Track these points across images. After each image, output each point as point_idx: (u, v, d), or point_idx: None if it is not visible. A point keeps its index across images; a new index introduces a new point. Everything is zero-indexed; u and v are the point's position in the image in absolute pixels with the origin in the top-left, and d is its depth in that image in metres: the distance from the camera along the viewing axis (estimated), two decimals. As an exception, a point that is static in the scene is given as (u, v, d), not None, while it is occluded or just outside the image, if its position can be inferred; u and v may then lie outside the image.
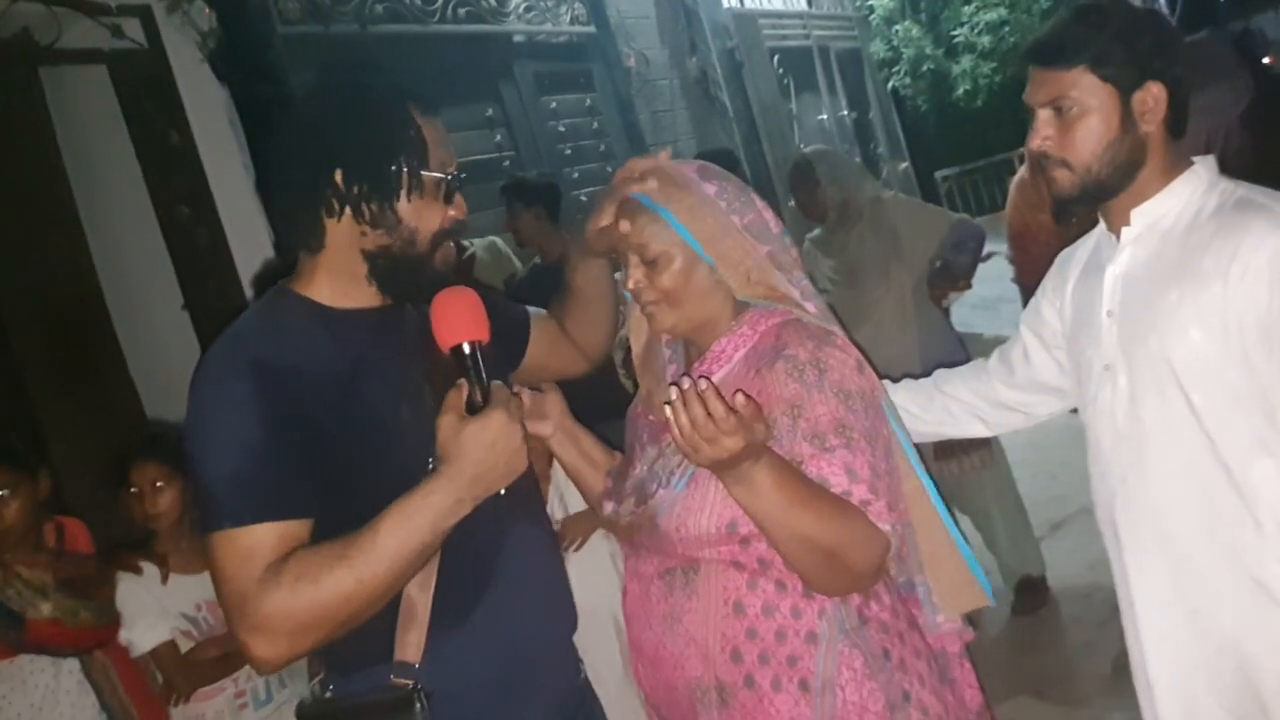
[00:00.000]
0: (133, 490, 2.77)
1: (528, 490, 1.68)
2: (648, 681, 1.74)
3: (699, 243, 1.65)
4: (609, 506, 1.76)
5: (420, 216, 1.54)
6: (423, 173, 1.54)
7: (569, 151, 6.73)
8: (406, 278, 1.56)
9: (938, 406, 2.05)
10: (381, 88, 1.56)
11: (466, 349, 1.47)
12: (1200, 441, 1.66)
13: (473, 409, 1.46)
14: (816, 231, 4.10)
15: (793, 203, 4.19)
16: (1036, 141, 1.74)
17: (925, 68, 16.03)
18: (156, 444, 2.84)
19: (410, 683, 1.47)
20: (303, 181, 1.53)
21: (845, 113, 10.13)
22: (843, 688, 1.58)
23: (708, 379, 1.47)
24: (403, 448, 1.50)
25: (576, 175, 6.63)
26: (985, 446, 3.82)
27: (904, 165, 11.18)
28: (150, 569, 2.75)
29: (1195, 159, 1.75)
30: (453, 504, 1.42)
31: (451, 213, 1.58)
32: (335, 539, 1.39)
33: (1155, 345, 1.68)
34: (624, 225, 1.67)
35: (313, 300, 1.55)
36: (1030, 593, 4.02)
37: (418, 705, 1.45)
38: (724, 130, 7.87)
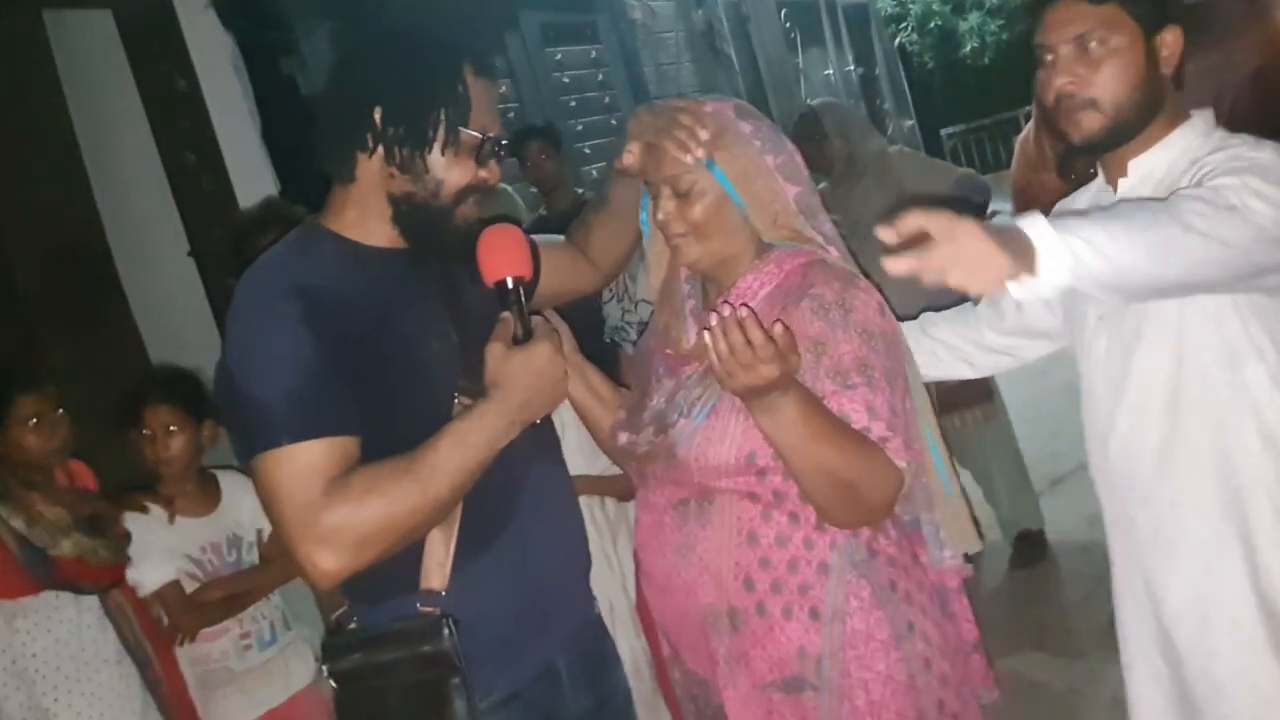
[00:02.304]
0: (145, 433, 2.78)
1: (547, 431, 1.75)
2: (658, 608, 1.80)
3: (731, 182, 1.67)
4: (624, 438, 1.79)
5: (449, 170, 1.55)
6: (460, 129, 1.54)
7: (574, 103, 6.71)
8: (425, 228, 1.57)
9: (924, 349, 2.02)
10: (441, 40, 1.57)
11: (510, 284, 1.56)
12: (1185, 378, 1.66)
13: (517, 341, 1.54)
14: (822, 185, 4.10)
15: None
16: (1061, 80, 1.67)
17: (932, 24, 15.89)
18: (170, 387, 2.84)
19: (437, 610, 1.50)
20: (344, 110, 1.55)
21: (851, 68, 10.08)
22: (850, 616, 1.63)
23: (748, 307, 1.49)
24: (432, 380, 1.55)
25: (581, 127, 6.61)
26: (987, 401, 3.84)
27: (909, 122, 11.14)
28: (157, 510, 2.77)
29: (1194, 112, 1.73)
30: (505, 426, 1.50)
31: (482, 174, 1.58)
32: (381, 460, 1.43)
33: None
34: (668, 148, 1.68)
35: (343, 235, 1.57)
36: (1029, 547, 4.06)
37: (446, 631, 1.48)
38: (729, 83, 7.84)
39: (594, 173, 6.55)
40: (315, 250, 1.57)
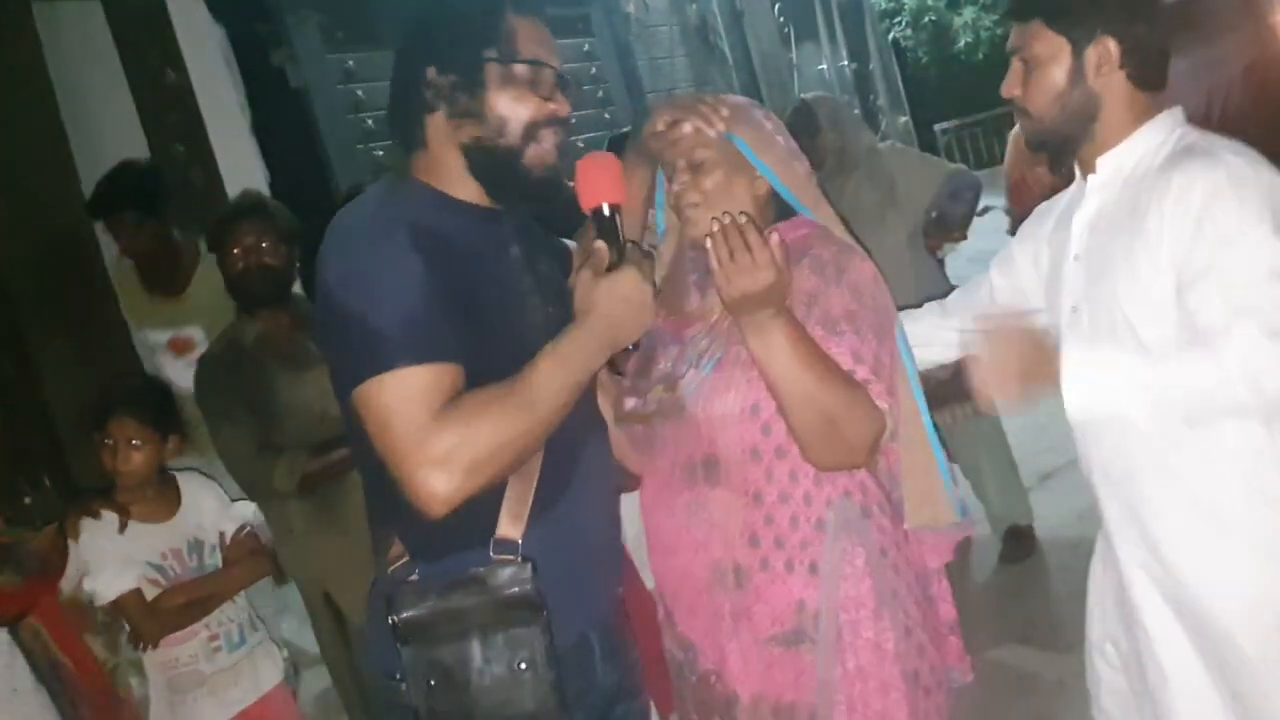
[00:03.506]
0: (107, 442, 2.72)
1: (597, 408, 1.80)
2: (661, 569, 1.87)
3: (752, 151, 1.79)
4: (631, 402, 1.85)
5: (511, 106, 1.58)
6: (511, 64, 1.58)
7: (567, 97, 6.69)
8: (502, 170, 1.60)
9: (936, 337, 2.10)
10: None
11: (606, 210, 1.60)
12: (1149, 376, 1.67)
13: (610, 267, 1.59)
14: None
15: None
16: (1004, 89, 1.87)
17: (927, 19, 15.90)
18: (138, 399, 2.79)
19: (516, 557, 1.53)
20: (403, 80, 1.61)
21: (845, 63, 10.06)
22: (845, 580, 1.73)
23: (747, 214, 1.65)
24: (526, 319, 1.61)
25: (574, 120, 6.58)
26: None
27: (903, 118, 11.12)
28: (109, 517, 2.72)
29: (1169, 109, 1.82)
30: (597, 349, 1.55)
31: (551, 107, 1.61)
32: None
33: (1109, 287, 1.77)
34: (687, 127, 1.81)
35: (434, 189, 1.61)
36: (1018, 541, 4.07)
37: (530, 573, 1.51)
38: (723, 78, 7.83)
39: (587, 166, 6.52)
40: (410, 194, 1.61)
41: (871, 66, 10.73)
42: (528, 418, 1.46)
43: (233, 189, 4.13)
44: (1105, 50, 1.77)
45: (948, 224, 3.93)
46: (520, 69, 1.58)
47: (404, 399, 1.42)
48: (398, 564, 1.59)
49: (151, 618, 2.68)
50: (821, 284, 1.74)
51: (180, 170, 4.21)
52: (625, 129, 4.20)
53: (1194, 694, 1.79)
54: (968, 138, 15.04)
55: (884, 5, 15.25)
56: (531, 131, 1.60)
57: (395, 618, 1.53)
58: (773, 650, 1.74)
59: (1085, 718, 2.07)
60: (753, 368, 1.68)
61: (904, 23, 15.88)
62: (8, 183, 4.01)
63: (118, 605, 2.68)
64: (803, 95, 4.26)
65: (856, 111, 8.47)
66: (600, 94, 6.99)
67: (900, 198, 3.83)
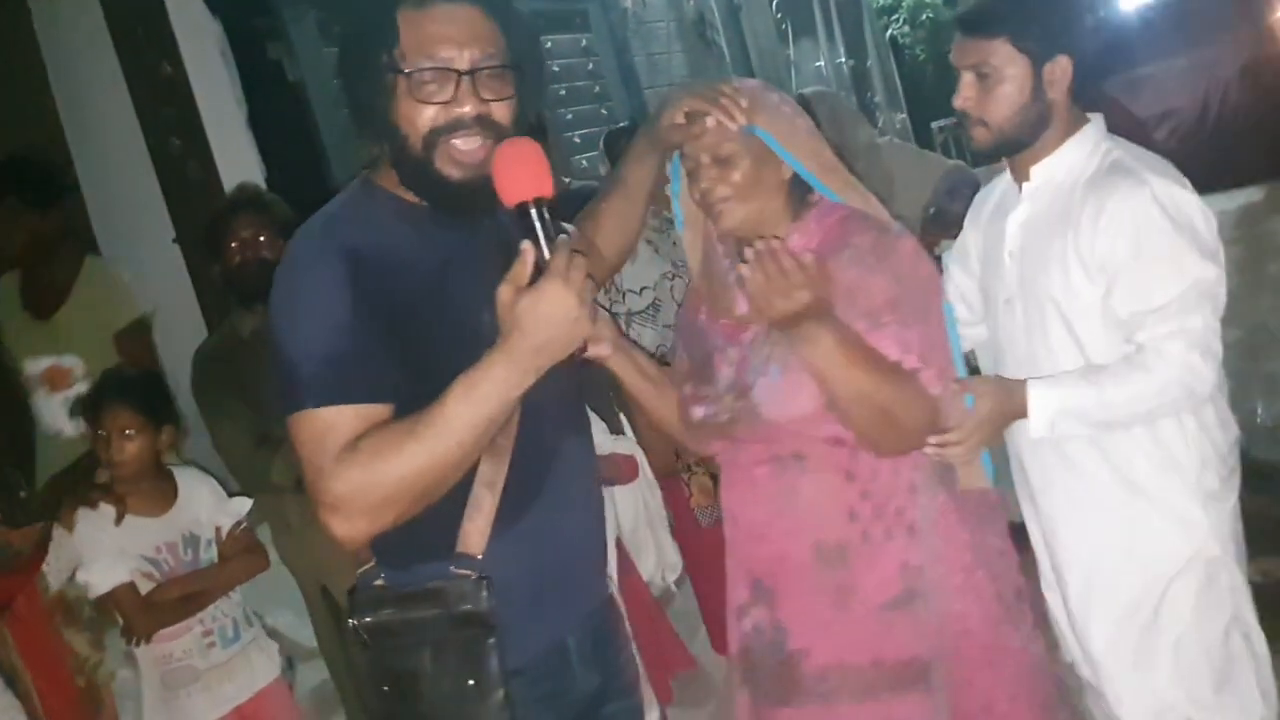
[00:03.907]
0: (100, 433, 2.72)
1: (579, 407, 1.76)
2: (749, 556, 1.91)
3: (778, 142, 1.80)
4: (700, 411, 1.88)
5: (406, 118, 1.48)
6: (392, 73, 1.47)
7: (563, 92, 6.68)
8: (421, 183, 1.52)
9: None
10: None
11: (532, 207, 1.40)
12: (1078, 363, 1.94)
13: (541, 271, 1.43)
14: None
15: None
16: (959, 101, 2.00)
17: (924, 16, 15.85)
18: (131, 389, 2.78)
19: (474, 573, 1.50)
20: (339, 88, 1.57)
21: (843, 60, 10.06)
22: (943, 528, 1.82)
23: (779, 239, 1.66)
24: (480, 348, 1.47)
25: (570, 117, 6.59)
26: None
27: (900, 116, 11.12)
28: (105, 509, 2.71)
29: (1090, 116, 2.00)
30: (516, 376, 1.40)
31: (455, 110, 1.48)
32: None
33: (1044, 284, 1.96)
34: (710, 121, 1.79)
35: (396, 195, 1.55)
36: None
37: (484, 592, 1.48)
38: (720, 74, 7.82)
39: (584, 162, 6.52)
40: (371, 207, 1.56)
41: (869, 63, 10.73)
42: (427, 456, 1.38)
43: (229, 182, 4.11)
44: (1062, 68, 1.93)
45: (945, 220, 3.92)
46: (414, 75, 1.46)
47: (310, 440, 1.42)
48: (366, 567, 1.59)
49: (145, 612, 2.68)
50: (861, 274, 1.76)
51: (177, 164, 4.20)
52: (623, 124, 4.20)
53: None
54: (965, 135, 15.02)
55: (882, 2, 15.20)
56: (433, 140, 1.49)
57: (354, 621, 1.54)
58: (887, 615, 1.81)
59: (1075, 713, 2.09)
60: None
61: (902, 20, 15.83)
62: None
63: (111, 598, 2.67)
64: (801, 90, 4.26)
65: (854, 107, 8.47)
66: (597, 89, 6.98)
67: (898, 194, 3.82)
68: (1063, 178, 1.98)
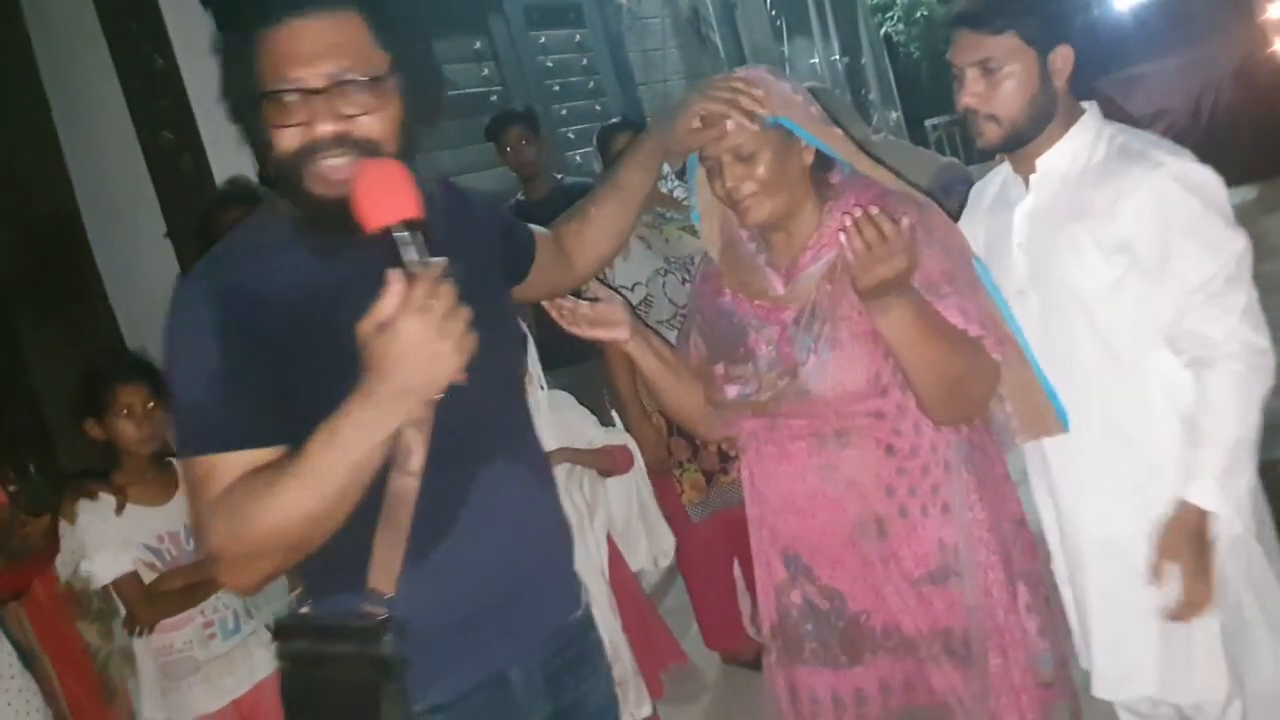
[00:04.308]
0: (123, 413, 2.73)
1: (508, 427, 1.63)
2: (795, 530, 1.93)
3: (802, 127, 1.82)
4: (734, 390, 1.91)
5: (275, 142, 1.40)
6: (257, 95, 1.39)
7: (557, 88, 6.67)
8: (303, 208, 1.43)
9: None
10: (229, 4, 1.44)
11: (399, 231, 1.27)
12: (1099, 349, 1.95)
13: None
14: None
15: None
16: (967, 98, 1.98)
17: (919, 14, 15.84)
18: (136, 366, 2.80)
19: (382, 612, 1.41)
20: None
21: (837, 57, 10.06)
22: (970, 508, 1.87)
23: (880, 203, 1.69)
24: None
25: (565, 112, 6.57)
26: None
27: (895, 114, 11.13)
28: (106, 499, 2.72)
29: (1085, 105, 2.01)
30: (377, 420, 1.29)
31: (313, 131, 1.38)
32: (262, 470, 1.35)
33: (1059, 272, 1.97)
34: (729, 124, 1.79)
35: (296, 216, 1.46)
36: None
37: (387, 636, 1.39)
38: (715, 70, 7.80)
39: (578, 158, 6.52)
40: (266, 237, 1.48)
41: (863, 61, 10.74)
42: (300, 504, 1.31)
43: (221, 175, 4.10)
44: (1064, 57, 1.94)
45: (938, 219, 3.93)
46: (265, 97, 1.38)
47: (191, 488, 1.40)
48: (296, 592, 1.57)
49: (147, 601, 2.68)
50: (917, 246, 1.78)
51: (169, 157, 4.19)
52: (616, 119, 4.20)
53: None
54: (959, 133, 15.02)
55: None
56: (298, 162, 1.39)
57: (277, 644, 1.50)
58: (924, 589, 1.87)
59: (1062, 709, 2.09)
60: (866, 340, 1.78)
61: (896, 17, 15.83)
62: (-4, 170, 3.99)
63: (115, 588, 2.68)
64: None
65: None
66: (591, 85, 6.97)
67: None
68: (1068, 166, 1.99)
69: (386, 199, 1.29)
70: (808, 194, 1.88)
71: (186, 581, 2.71)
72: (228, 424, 1.39)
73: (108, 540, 2.67)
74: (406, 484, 1.39)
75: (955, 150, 14.61)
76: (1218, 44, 4.14)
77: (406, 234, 1.27)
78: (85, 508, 2.70)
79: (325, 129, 1.38)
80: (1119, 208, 1.88)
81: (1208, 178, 1.90)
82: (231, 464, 1.37)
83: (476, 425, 1.50)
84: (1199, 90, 4.01)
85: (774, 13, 8.89)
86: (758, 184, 1.81)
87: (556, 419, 2.99)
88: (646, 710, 2.99)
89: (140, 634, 2.72)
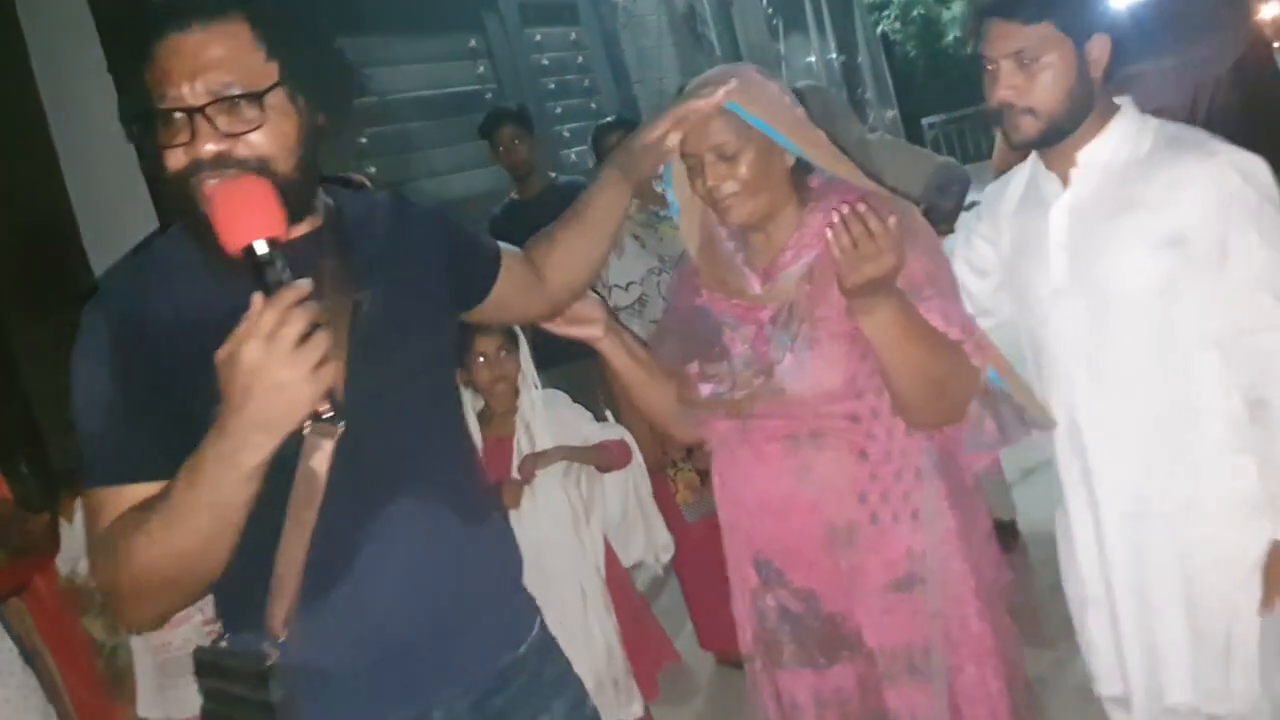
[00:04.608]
0: None
1: (428, 459, 1.49)
2: (770, 532, 1.90)
3: (780, 132, 1.81)
4: (708, 389, 1.89)
5: (165, 158, 1.32)
6: (142, 115, 1.32)
7: (553, 85, 6.66)
8: (194, 231, 1.33)
9: None
10: (134, 10, 1.37)
11: (262, 250, 1.19)
12: (1150, 349, 1.87)
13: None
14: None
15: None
16: (1003, 92, 1.87)
17: (915, 12, 15.90)
18: None
19: (274, 657, 1.35)
20: None
21: (834, 56, 10.05)
22: (941, 515, 1.85)
23: (865, 203, 1.64)
24: None
25: (559, 110, 6.56)
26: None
27: (891, 113, 11.13)
28: None
29: (1118, 100, 1.93)
30: (233, 452, 1.19)
31: (202, 149, 1.29)
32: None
33: (1107, 269, 1.88)
34: (714, 124, 1.79)
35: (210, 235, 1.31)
36: (1000, 535, 4.06)
37: (272, 684, 1.33)
38: (710, 68, 7.80)
39: (573, 156, 6.51)
40: (170, 258, 1.41)
41: (860, 59, 10.73)
42: (169, 545, 1.24)
43: (214, 174, 4.09)
44: (1101, 46, 1.86)
45: (935, 217, 3.91)
46: (153, 117, 1.31)
47: (84, 521, 1.37)
48: (215, 624, 1.50)
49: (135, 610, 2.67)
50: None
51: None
52: (610, 118, 4.19)
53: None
54: (955, 133, 15.06)
55: (872, -2, 15.24)
56: (184, 183, 1.31)
57: (196, 678, 1.46)
58: (889, 597, 1.84)
59: (1067, 712, 2.08)
60: (844, 341, 1.77)
61: (892, 16, 15.87)
62: (-12, 168, 3.97)
63: None
64: (795, 84, 4.25)
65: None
66: (586, 83, 6.96)
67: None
68: (1111, 158, 1.91)
69: (245, 217, 1.21)
70: (788, 196, 1.87)
71: None
72: (117, 456, 1.33)
73: None
74: (302, 519, 1.32)
75: (951, 149, 14.64)
76: (1215, 43, 4.12)
77: (268, 253, 1.19)
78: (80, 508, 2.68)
79: (208, 148, 1.30)
80: (1175, 198, 1.81)
81: (1260, 166, 1.84)
82: (122, 497, 1.31)
83: (381, 459, 1.39)
84: (1195, 89, 3.99)
85: (770, 11, 8.89)
86: (739, 184, 1.80)
87: (551, 417, 2.97)
88: (638, 710, 2.98)
89: (140, 631, 2.71)
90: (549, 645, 1.67)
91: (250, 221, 1.20)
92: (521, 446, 2.93)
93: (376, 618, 1.44)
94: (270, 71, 1.33)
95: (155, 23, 1.31)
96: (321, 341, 1.16)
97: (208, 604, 2.68)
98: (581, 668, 2.49)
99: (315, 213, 1.44)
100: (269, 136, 1.33)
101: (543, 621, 1.67)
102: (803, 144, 1.83)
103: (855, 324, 1.72)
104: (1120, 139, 1.91)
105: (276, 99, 1.33)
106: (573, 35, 6.95)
